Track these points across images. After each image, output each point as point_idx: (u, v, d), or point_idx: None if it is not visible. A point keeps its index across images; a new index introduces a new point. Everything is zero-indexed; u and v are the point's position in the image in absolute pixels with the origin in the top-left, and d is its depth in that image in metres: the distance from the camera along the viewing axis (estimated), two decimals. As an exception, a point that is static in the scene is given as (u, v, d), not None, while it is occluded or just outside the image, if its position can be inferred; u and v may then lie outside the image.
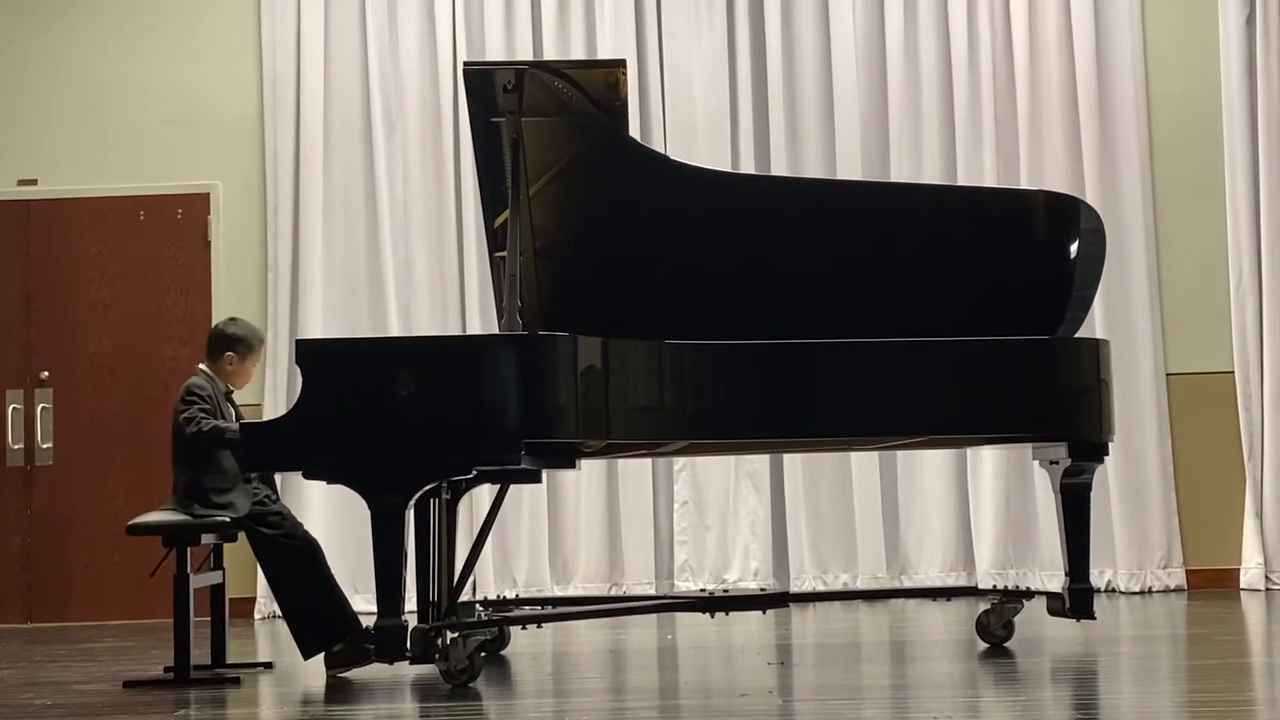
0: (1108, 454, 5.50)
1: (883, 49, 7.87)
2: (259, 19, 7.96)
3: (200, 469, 5.32)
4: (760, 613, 6.40)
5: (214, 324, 5.81)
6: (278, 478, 5.77)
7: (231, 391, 5.58)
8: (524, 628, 5.91)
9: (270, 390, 7.68)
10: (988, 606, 5.70)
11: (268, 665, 5.67)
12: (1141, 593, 7.54)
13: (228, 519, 5.30)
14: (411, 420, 4.77)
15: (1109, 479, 7.51)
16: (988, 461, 7.65)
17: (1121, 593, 7.55)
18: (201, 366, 5.56)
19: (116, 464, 7.81)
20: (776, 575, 7.73)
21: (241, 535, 5.45)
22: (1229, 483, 7.65)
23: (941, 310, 5.49)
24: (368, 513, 4.80)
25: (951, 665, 5.32)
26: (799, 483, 7.70)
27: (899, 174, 7.75)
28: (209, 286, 7.91)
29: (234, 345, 5.53)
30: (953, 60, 7.83)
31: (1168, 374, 7.71)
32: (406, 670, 5.15)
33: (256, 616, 7.54)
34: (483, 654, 5.02)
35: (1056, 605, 5.50)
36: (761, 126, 7.89)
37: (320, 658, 5.33)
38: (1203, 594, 7.41)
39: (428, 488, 4.90)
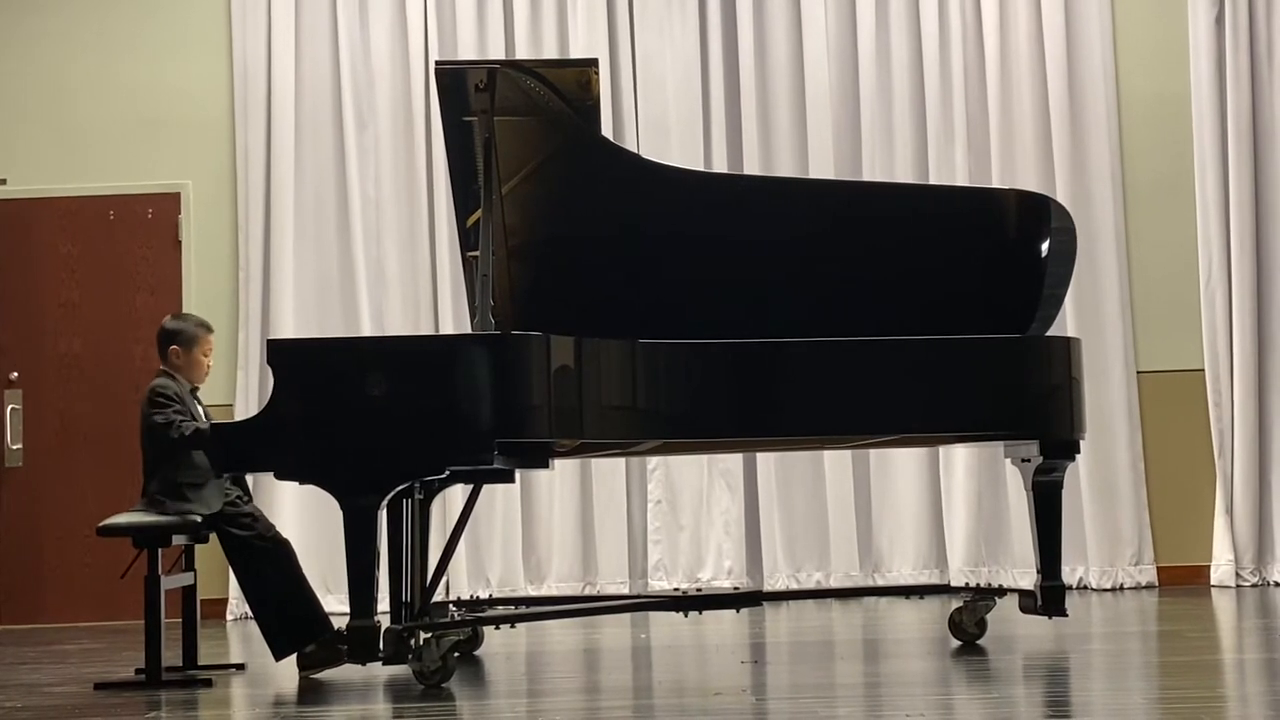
0: (1079, 452, 5.52)
1: (854, 48, 7.89)
2: (229, 18, 7.93)
3: (173, 467, 5.30)
4: (734, 611, 6.41)
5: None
6: (250, 478, 5.75)
7: (196, 389, 5.56)
8: (497, 628, 5.90)
9: (242, 391, 7.66)
10: (960, 604, 5.71)
11: (240, 666, 5.65)
12: (1113, 590, 7.58)
13: (199, 518, 5.28)
14: (384, 420, 4.76)
15: (1080, 477, 7.55)
16: (960, 460, 7.67)
17: (1093, 590, 7.59)
18: (162, 368, 5.52)
19: (87, 465, 7.77)
20: (750, 574, 7.74)
21: (213, 536, 5.43)
22: (1199, 480, 7.69)
23: (913, 309, 5.50)
24: (340, 513, 4.79)
25: (924, 663, 5.33)
26: (772, 482, 7.71)
27: (871, 173, 7.77)
28: (180, 287, 7.88)
29: (174, 339, 5.50)
30: (924, 60, 7.85)
31: (1138, 372, 7.75)
32: (379, 671, 5.14)
33: (228, 618, 7.51)
34: (456, 654, 5.01)
35: (1028, 602, 5.52)
36: (734, 125, 7.90)
37: (293, 659, 5.32)
38: (1173, 591, 7.45)
39: (400, 488, 4.89)
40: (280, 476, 4.99)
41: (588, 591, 7.66)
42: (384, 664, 4.88)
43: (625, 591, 7.62)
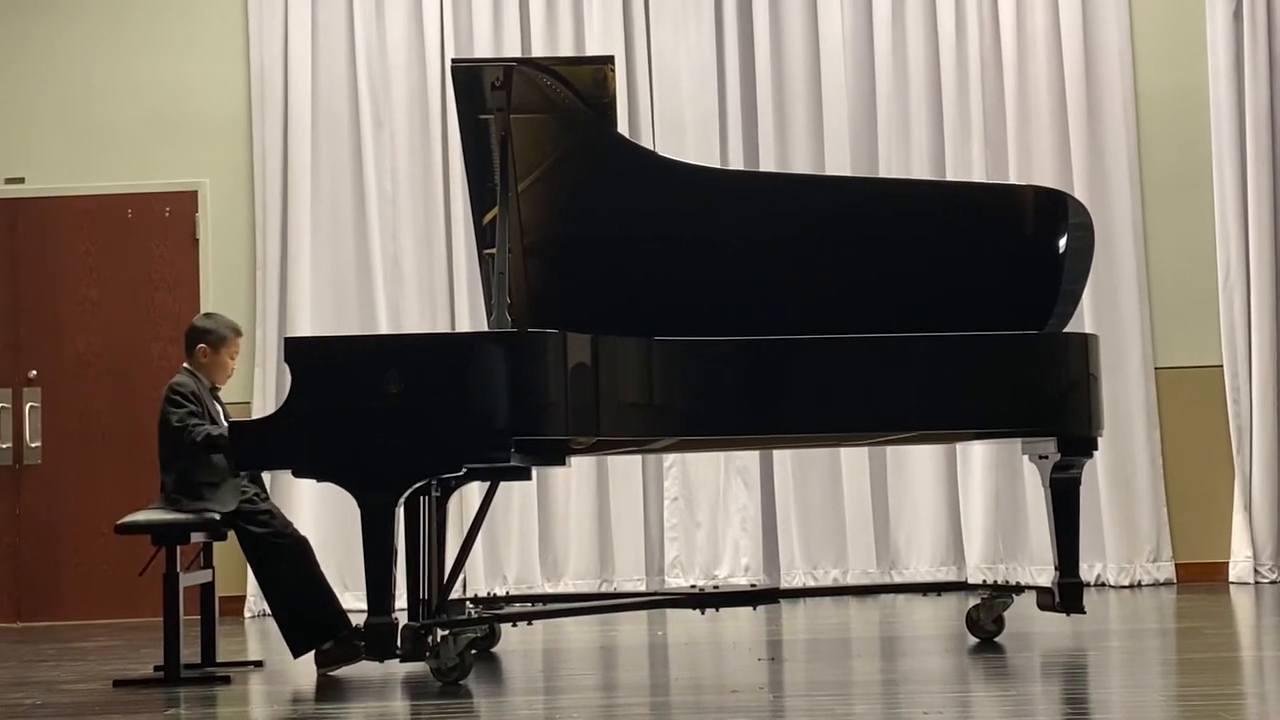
0: (1097, 448, 5.50)
1: (871, 44, 7.87)
2: (246, 17, 7.95)
3: (188, 466, 5.32)
4: (750, 609, 6.40)
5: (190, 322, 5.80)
6: (267, 476, 5.76)
7: (217, 388, 5.58)
8: (514, 625, 5.91)
9: (259, 388, 7.68)
10: (978, 601, 5.71)
11: (258, 664, 5.67)
12: (1131, 586, 7.56)
13: (216, 516, 5.29)
14: (400, 418, 4.76)
15: (1098, 473, 7.53)
16: (977, 456, 7.66)
17: (1111, 587, 7.57)
18: (185, 365, 5.56)
19: (105, 463, 7.79)
20: (767, 571, 7.74)
21: (231, 534, 5.44)
22: (1218, 476, 7.67)
23: (930, 305, 5.49)
24: (357, 511, 4.80)
25: (942, 660, 5.32)
26: (789, 479, 7.71)
27: (887, 170, 7.76)
28: (197, 284, 7.90)
29: (204, 338, 5.54)
30: (941, 56, 7.83)
31: (1156, 368, 7.73)
32: (397, 668, 5.15)
33: (246, 615, 7.53)
34: (473, 651, 5.02)
35: (1046, 600, 5.51)
36: (750, 123, 7.89)
37: (310, 656, 5.33)
38: (1192, 587, 7.42)
39: (417, 485, 4.90)
40: (298, 474, 5.00)
41: (604, 589, 7.66)
42: (401, 661, 4.88)
43: (642, 589, 7.63)
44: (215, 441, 5.25)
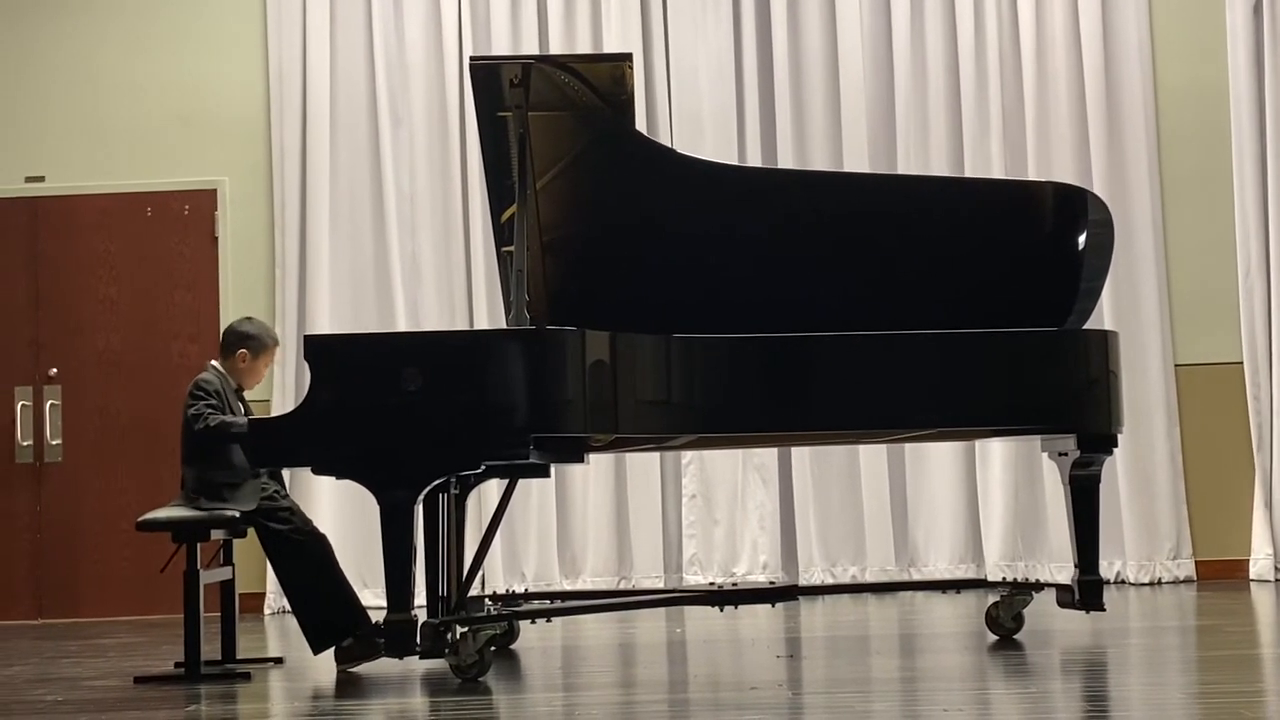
0: (1116, 445, 5.49)
1: (889, 41, 7.86)
2: (264, 14, 7.97)
3: (209, 464, 5.34)
4: (769, 606, 6.42)
5: (230, 322, 5.81)
6: (286, 473, 5.78)
7: (242, 389, 5.60)
8: (533, 622, 5.92)
9: (279, 386, 7.69)
10: (997, 599, 5.70)
11: (278, 660, 5.68)
12: (1151, 584, 7.54)
13: (236, 514, 5.31)
14: (419, 415, 4.77)
15: (1118, 470, 7.51)
16: (996, 454, 7.65)
17: (1131, 584, 7.55)
18: (213, 363, 5.58)
19: (125, 460, 7.82)
20: (785, 568, 7.73)
21: (251, 531, 5.46)
22: (1238, 474, 7.64)
23: (948, 302, 5.48)
24: (376, 508, 4.81)
25: (961, 657, 5.32)
26: (807, 476, 7.70)
27: (906, 166, 7.75)
28: (216, 282, 7.92)
29: (247, 343, 5.56)
30: (959, 52, 7.82)
31: (1176, 365, 7.71)
32: (416, 665, 5.16)
33: (266, 612, 7.55)
34: (492, 648, 5.03)
35: (1066, 597, 5.50)
36: (768, 120, 7.89)
37: (330, 653, 5.34)
38: (1212, 585, 7.40)
39: (436, 483, 4.91)
40: (317, 471, 5.00)
41: (622, 586, 7.67)
42: (421, 658, 4.90)
43: (660, 586, 7.63)
44: (229, 429, 5.25)
